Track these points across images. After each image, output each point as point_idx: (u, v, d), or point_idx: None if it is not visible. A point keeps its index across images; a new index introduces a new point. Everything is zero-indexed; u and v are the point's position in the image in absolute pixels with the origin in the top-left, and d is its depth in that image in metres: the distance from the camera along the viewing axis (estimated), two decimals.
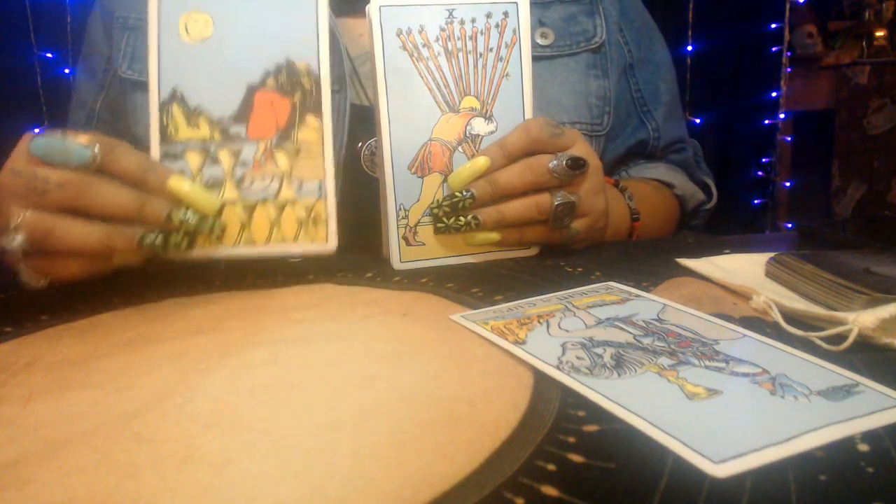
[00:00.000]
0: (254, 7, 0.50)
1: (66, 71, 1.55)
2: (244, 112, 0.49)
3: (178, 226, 0.46)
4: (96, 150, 0.44)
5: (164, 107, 0.49)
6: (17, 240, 0.43)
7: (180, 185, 0.46)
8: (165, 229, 0.46)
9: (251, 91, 0.49)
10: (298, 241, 0.50)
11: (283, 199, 0.49)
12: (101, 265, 0.47)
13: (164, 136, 0.49)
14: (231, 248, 0.49)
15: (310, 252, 0.50)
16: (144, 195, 0.45)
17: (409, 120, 0.52)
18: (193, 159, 0.49)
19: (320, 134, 0.50)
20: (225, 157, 0.49)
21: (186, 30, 0.49)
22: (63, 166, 0.44)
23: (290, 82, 0.50)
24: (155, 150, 0.49)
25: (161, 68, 0.49)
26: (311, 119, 0.50)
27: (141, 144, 0.66)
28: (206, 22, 0.49)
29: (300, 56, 0.50)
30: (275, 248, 0.50)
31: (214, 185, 0.49)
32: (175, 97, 0.49)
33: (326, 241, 0.50)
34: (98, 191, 0.44)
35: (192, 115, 0.49)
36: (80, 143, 0.44)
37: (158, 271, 0.55)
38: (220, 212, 0.49)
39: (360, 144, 0.66)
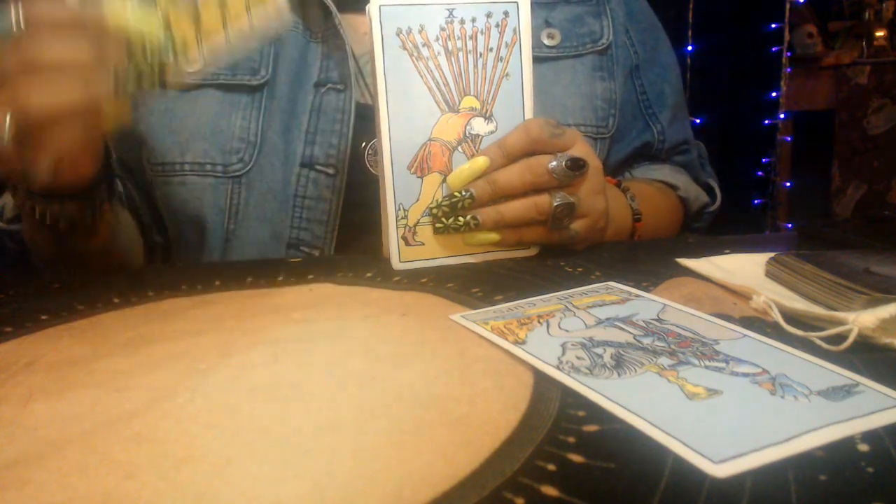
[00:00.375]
0: None
1: None
2: None
3: (141, 56, 0.44)
4: (18, 10, 0.42)
5: None
6: (6, 123, 0.42)
7: (118, 11, 0.43)
8: (132, 63, 0.44)
9: None
10: (254, 24, 0.47)
11: None
12: (94, 125, 0.46)
13: None
14: (202, 61, 0.48)
15: (268, 32, 0.48)
16: (98, 39, 0.44)
17: (409, 120, 0.52)
18: None
19: None
20: None
21: None
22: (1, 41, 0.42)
23: None
24: None
25: None
26: None
27: (145, 139, 0.66)
28: None
29: None
30: (239, 42, 0.47)
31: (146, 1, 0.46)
32: None
33: (278, 12, 0.47)
34: (54, 50, 0.43)
35: None
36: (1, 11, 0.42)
37: (160, 272, 0.55)
38: (168, 26, 0.46)
39: (364, 144, 0.66)
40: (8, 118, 0.42)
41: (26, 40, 0.42)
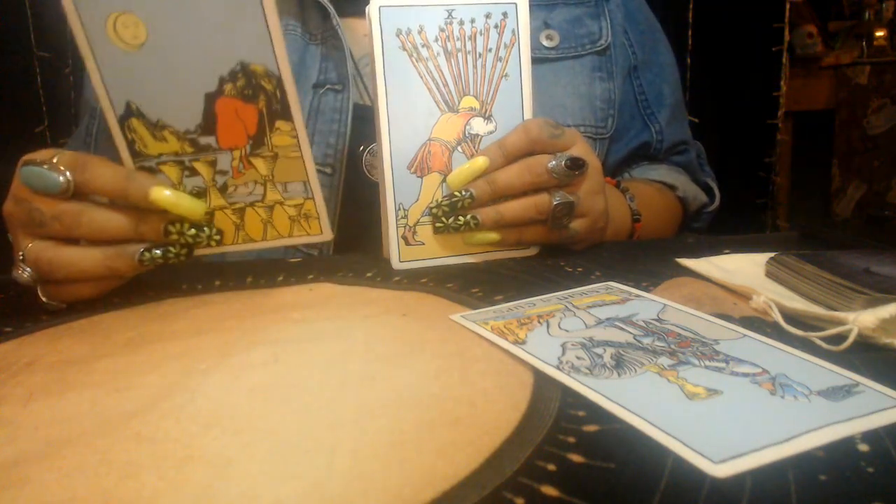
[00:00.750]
0: (188, 7, 0.45)
1: (66, 71, 1.55)
2: (209, 122, 0.47)
3: (175, 239, 0.46)
4: (68, 175, 0.44)
5: (123, 121, 0.46)
6: (27, 272, 0.45)
7: (162, 195, 0.45)
8: (163, 244, 0.46)
9: (210, 99, 0.46)
10: (294, 236, 0.50)
11: (270, 200, 0.49)
12: (112, 283, 0.48)
13: (134, 151, 0.47)
14: (231, 247, 0.50)
15: (308, 242, 0.50)
16: (137, 215, 0.45)
17: (409, 120, 0.52)
18: (171, 172, 0.47)
19: (294, 136, 0.48)
20: (202, 167, 0.48)
21: (118, 34, 0.44)
22: (45, 194, 0.44)
23: (251, 86, 0.46)
24: (128, 165, 0.47)
25: (106, 84, 0.45)
26: (281, 123, 0.48)
27: None
28: (137, 24, 0.44)
29: (254, 57, 0.46)
30: (273, 243, 0.50)
31: (198, 194, 0.48)
32: (132, 112, 0.46)
33: (321, 232, 0.50)
34: (91, 218, 0.45)
35: (156, 129, 0.46)
36: (53, 170, 0.44)
37: (159, 271, 0.55)
38: (212, 218, 0.48)
39: (360, 148, 0.66)
40: (29, 270, 0.45)
41: (69, 200, 0.45)
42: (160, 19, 0.45)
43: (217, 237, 0.47)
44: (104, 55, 0.45)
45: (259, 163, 0.48)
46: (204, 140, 0.47)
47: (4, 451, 0.28)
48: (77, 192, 0.45)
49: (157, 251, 0.46)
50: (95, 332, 0.42)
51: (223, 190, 0.49)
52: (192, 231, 0.46)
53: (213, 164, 0.48)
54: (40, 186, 0.44)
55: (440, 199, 0.53)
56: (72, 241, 0.46)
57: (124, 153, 0.47)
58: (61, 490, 0.24)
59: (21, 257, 0.45)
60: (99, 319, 0.45)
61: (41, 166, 0.44)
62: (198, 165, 0.48)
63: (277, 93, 0.47)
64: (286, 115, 0.47)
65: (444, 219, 0.52)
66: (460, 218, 0.52)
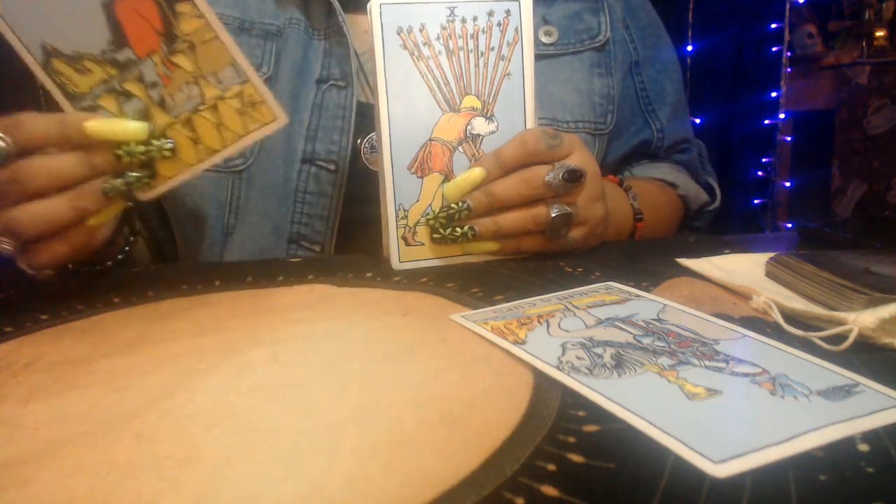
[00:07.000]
0: None
1: None
2: (118, 34, 0.46)
3: (129, 162, 0.45)
4: (7, 139, 0.44)
5: (46, 67, 0.46)
6: (5, 242, 0.45)
7: (97, 124, 0.45)
8: (121, 170, 0.46)
9: (108, 9, 0.46)
10: (250, 131, 0.48)
11: (211, 98, 0.48)
12: (85, 236, 0.47)
13: (68, 94, 0.47)
14: (197, 165, 0.49)
15: (266, 133, 0.48)
16: (86, 151, 0.45)
17: (409, 119, 0.52)
18: (108, 103, 0.47)
19: (200, 15, 0.46)
20: (133, 87, 0.47)
21: None
22: None
23: None
24: (68, 111, 0.47)
25: (17, 32, 0.45)
26: (181, 6, 0.46)
27: None
28: None
29: None
30: (234, 147, 0.48)
31: (141, 116, 0.47)
32: (49, 53, 0.46)
33: (275, 118, 0.48)
34: (42, 166, 0.45)
35: (76, 62, 0.46)
36: None
37: (159, 272, 0.55)
38: (160, 133, 0.47)
39: (358, 140, 0.66)
40: (4, 240, 0.45)
41: (16, 161, 0.44)
42: None
43: (169, 146, 0.47)
44: (7, 3, 0.45)
45: (181, 59, 0.47)
46: (122, 55, 0.47)
47: (4, 451, 0.28)
48: (20, 153, 0.44)
49: (119, 179, 0.45)
50: (95, 332, 0.42)
51: (162, 104, 0.48)
52: (141, 147, 0.46)
53: (140, 79, 0.47)
54: None
55: (437, 211, 0.52)
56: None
57: (61, 100, 0.47)
58: (61, 490, 0.24)
59: None
60: (99, 319, 0.45)
61: None
62: (129, 86, 0.47)
63: None
64: None
65: (441, 230, 0.52)
66: (457, 229, 0.52)
